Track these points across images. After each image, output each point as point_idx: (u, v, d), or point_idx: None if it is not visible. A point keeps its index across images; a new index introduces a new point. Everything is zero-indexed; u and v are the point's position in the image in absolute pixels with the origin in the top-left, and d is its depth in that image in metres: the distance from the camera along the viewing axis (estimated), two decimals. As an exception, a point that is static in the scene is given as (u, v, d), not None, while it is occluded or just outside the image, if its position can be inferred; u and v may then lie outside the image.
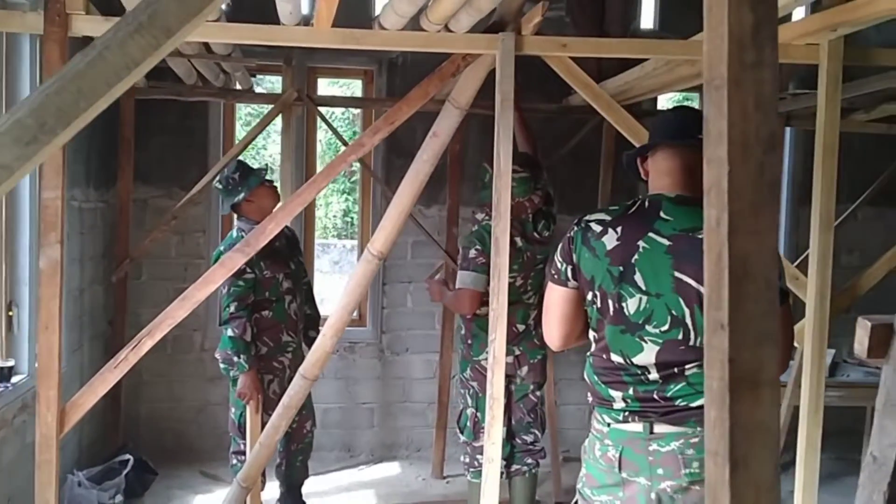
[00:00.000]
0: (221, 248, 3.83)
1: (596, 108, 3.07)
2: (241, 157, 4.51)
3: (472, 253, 3.62)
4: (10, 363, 3.56)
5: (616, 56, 3.22)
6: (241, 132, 5.95)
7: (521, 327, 3.68)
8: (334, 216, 13.07)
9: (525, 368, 3.71)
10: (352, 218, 13.34)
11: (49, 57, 2.65)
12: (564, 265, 2.28)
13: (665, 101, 6.69)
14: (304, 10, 3.95)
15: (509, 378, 3.65)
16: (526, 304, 3.72)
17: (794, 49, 2.99)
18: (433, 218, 5.22)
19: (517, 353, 3.65)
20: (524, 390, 3.75)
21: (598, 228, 2.22)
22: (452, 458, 5.06)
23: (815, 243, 2.90)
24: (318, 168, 5.71)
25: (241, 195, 3.85)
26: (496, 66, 2.99)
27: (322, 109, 5.00)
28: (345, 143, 5.20)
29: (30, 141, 0.72)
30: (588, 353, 2.31)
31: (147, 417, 5.09)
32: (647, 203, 2.23)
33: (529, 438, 3.77)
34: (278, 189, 4.14)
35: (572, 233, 2.28)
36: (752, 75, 0.86)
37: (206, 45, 3.82)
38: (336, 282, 11.02)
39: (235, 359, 3.74)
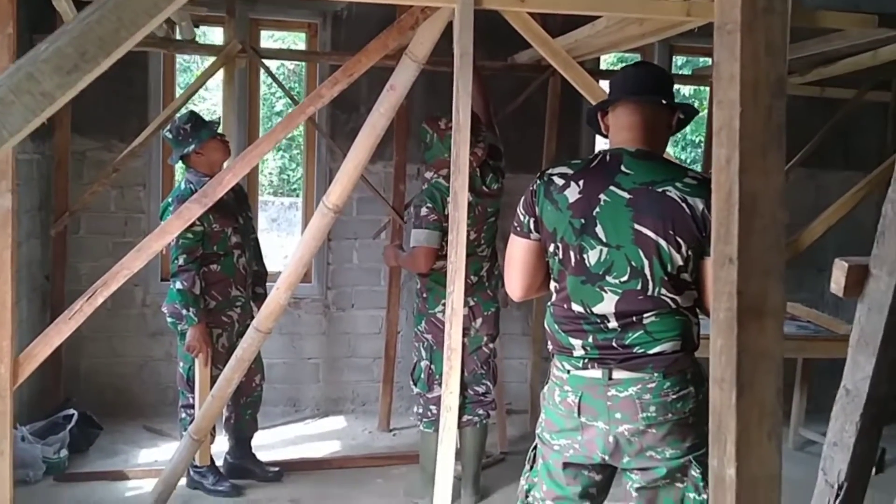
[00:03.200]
0: (169, 200, 3.77)
1: (553, 65, 3.10)
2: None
3: (424, 211, 3.66)
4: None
5: (573, 13, 3.25)
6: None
7: (475, 279, 3.74)
8: (270, 173, 12.89)
9: (479, 320, 3.78)
10: (288, 175, 13.17)
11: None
12: (527, 217, 2.33)
13: (605, 64, 6.76)
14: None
15: (464, 330, 3.70)
16: (480, 257, 3.78)
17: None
18: (379, 174, 5.21)
19: (471, 304, 3.71)
20: (478, 342, 3.82)
21: (560, 182, 2.28)
22: (398, 412, 5.13)
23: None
24: (261, 121, 5.64)
25: (192, 147, 3.79)
26: (454, 21, 2.99)
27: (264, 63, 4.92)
28: (290, 96, 5.15)
29: (71, 70, 0.71)
30: (549, 304, 2.36)
31: (88, 373, 5.01)
32: (608, 157, 2.29)
33: (481, 389, 3.85)
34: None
35: (535, 186, 2.33)
36: (763, 21, 0.91)
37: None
38: (275, 239, 10.90)
39: (184, 312, 3.71)
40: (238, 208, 4.01)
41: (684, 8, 3.02)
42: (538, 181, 2.33)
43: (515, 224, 2.37)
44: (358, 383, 5.36)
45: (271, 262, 4.36)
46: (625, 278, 2.19)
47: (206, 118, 3.98)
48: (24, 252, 4.45)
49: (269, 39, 11.00)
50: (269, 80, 4.87)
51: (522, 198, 2.36)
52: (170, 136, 3.88)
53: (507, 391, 5.09)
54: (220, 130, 4.00)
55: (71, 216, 4.71)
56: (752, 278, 0.91)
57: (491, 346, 3.90)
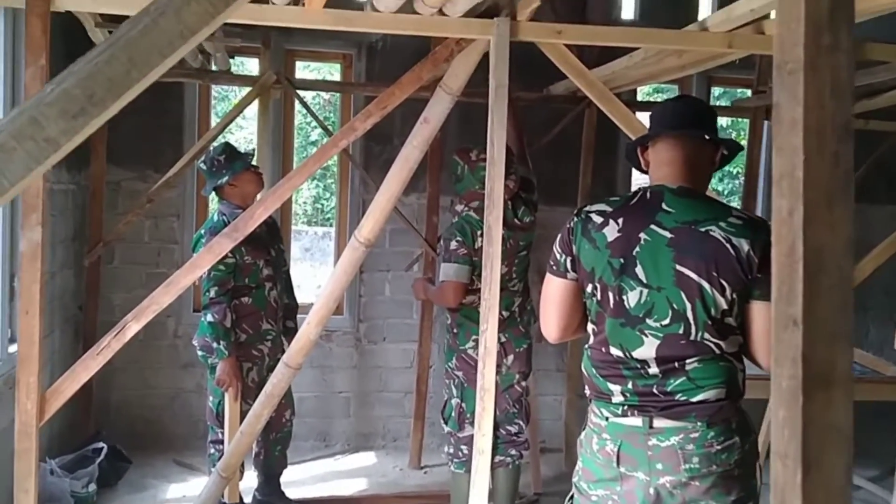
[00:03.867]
0: (202, 232, 3.75)
1: (590, 97, 3.04)
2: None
3: (454, 244, 3.59)
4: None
5: (611, 44, 3.18)
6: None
7: (506, 314, 3.65)
8: (304, 203, 12.92)
9: (511, 357, 3.69)
10: (322, 205, 13.20)
11: (31, 32, 2.55)
12: (563, 256, 2.25)
13: (641, 94, 6.69)
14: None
15: (496, 367, 3.62)
16: (511, 292, 3.69)
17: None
18: (412, 206, 5.17)
19: (503, 340, 3.61)
20: (510, 380, 3.72)
21: (598, 220, 2.20)
22: (429, 449, 5.04)
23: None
24: (296, 151, 5.63)
25: (225, 178, 3.76)
26: (490, 52, 2.95)
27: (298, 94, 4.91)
28: (324, 127, 5.14)
29: (77, 113, 0.66)
30: (586, 346, 2.27)
31: (118, 405, 4.98)
32: (648, 194, 2.20)
33: (514, 429, 3.75)
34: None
35: (572, 223, 2.25)
36: (828, 60, 0.83)
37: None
38: (308, 269, 10.89)
39: (214, 345, 3.67)
40: (270, 241, 3.98)
41: (726, 40, 2.94)
42: (575, 218, 2.25)
43: (551, 262, 2.29)
44: (389, 418, 5.28)
45: (304, 293, 4.32)
46: (666, 322, 2.10)
47: (242, 149, 3.97)
48: (57, 282, 4.46)
49: (305, 70, 11.09)
50: (305, 109, 4.85)
51: (559, 235, 2.28)
52: (204, 167, 3.87)
53: (540, 429, 4.98)
54: (254, 162, 3.98)
55: (105, 246, 4.72)
56: (818, 343, 0.83)
57: (523, 384, 3.80)
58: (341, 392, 5.24)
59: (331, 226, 12.28)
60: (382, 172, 3.44)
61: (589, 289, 2.20)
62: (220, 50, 4.44)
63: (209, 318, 3.67)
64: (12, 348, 3.71)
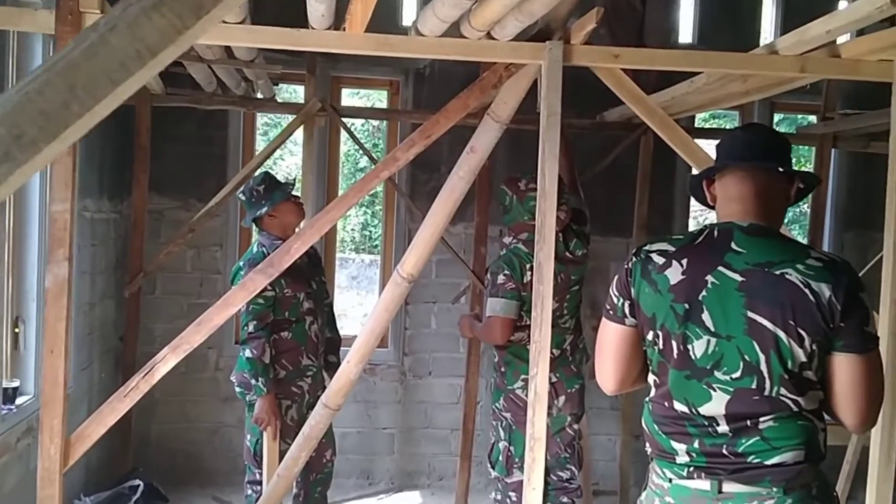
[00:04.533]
0: (241, 264, 3.63)
1: (648, 124, 2.85)
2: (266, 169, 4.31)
3: (501, 279, 3.40)
4: (15, 384, 3.36)
5: (674, 69, 2.99)
6: (258, 142, 5.73)
7: (557, 352, 3.43)
8: (352, 230, 12.81)
9: (562, 398, 3.48)
10: (370, 231, 13.09)
11: (61, 59, 2.45)
12: (621, 300, 2.05)
13: (698, 121, 6.45)
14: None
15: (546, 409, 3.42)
16: (562, 329, 3.49)
17: (866, 65, 2.76)
18: (459, 236, 5.00)
19: (553, 380, 3.40)
20: (561, 423, 3.52)
21: (660, 260, 1.99)
22: (476, 489, 4.83)
23: (888, 273, 2.67)
24: (341, 181, 5.52)
25: (264, 209, 3.64)
26: (541, 78, 2.78)
27: (345, 121, 4.79)
28: (370, 156, 5.01)
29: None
30: (647, 399, 2.07)
31: (158, 438, 4.88)
32: (716, 232, 1.99)
33: (565, 475, 3.54)
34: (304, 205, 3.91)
35: (630, 264, 2.05)
36: None
37: (229, 49, 3.62)
38: (354, 297, 10.76)
39: (253, 382, 3.53)
40: (311, 273, 3.84)
41: (798, 63, 2.72)
42: (634, 258, 2.05)
43: (608, 307, 2.09)
44: (434, 456, 5.08)
45: (351, 322, 4.17)
46: (737, 374, 1.88)
47: (283, 179, 3.85)
48: (97, 313, 4.38)
49: (353, 96, 11.05)
50: (351, 138, 4.74)
51: (615, 277, 2.09)
52: (243, 197, 3.76)
53: (594, 471, 4.75)
54: (295, 192, 3.85)
55: (146, 276, 4.63)
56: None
57: (575, 426, 3.59)
58: (385, 428, 5.07)
59: (378, 253, 12.17)
60: (429, 201, 3.29)
61: (650, 336, 2.00)
62: (262, 77, 4.34)
63: (247, 353, 3.54)
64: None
